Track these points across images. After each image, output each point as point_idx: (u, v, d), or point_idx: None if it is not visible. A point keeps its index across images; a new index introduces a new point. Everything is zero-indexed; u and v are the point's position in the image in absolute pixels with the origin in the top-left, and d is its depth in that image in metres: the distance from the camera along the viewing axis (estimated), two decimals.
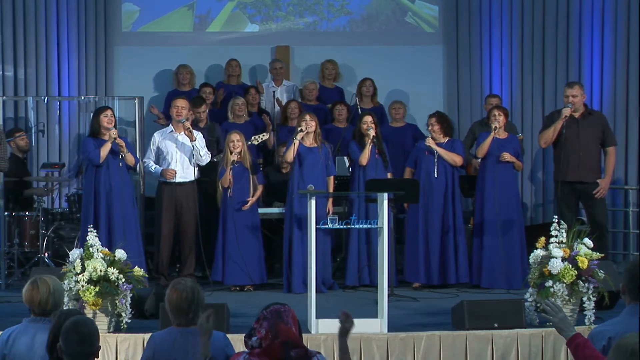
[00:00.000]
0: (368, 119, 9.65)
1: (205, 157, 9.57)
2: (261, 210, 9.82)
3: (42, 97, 11.24)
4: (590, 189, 9.56)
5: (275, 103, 11.34)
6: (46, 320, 4.88)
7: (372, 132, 9.51)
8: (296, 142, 9.33)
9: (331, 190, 9.48)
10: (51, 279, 4.97)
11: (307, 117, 9.49)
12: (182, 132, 9.57)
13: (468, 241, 10.08)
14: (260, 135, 10.27)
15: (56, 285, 4.95)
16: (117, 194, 9.19)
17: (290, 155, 9.37)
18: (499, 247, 9.45)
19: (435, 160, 9.61)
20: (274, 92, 11.42)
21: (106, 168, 9.21)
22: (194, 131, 9.56)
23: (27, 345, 4.82)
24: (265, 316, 4.43)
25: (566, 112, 9.45)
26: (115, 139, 9.09)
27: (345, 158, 10.03)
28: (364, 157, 9.56)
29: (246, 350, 4.44)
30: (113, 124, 9.23)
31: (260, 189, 9.59)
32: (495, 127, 9.51)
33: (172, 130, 9.69)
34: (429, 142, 9.59)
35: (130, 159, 9.21)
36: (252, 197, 9.47)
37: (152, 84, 11.83)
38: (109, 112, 9.29)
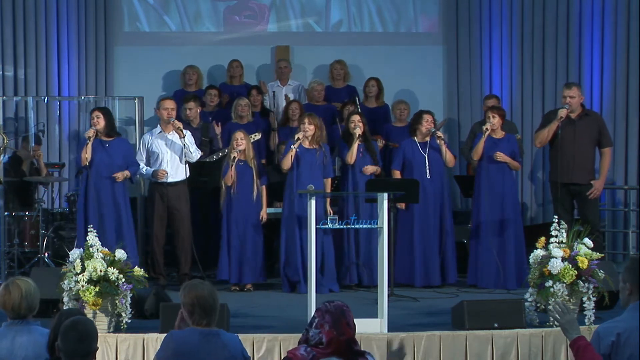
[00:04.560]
0: (355, 118, 9.66)
1: (195, 153, 9.60)
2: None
3: (42, 97, 11.24)
4: (584, 190, 9.54)
5: (285, 100, 11.32)
6: (23, 323, 4.87)
7: (357, 131, 9.52)
8: (293, 150, 9.32)
9: (328, 189, 9.46)
10: (23, 282, 4.92)
11: (306, 120, 9.47)
12: (171, 132, 9.58)
13: (468, 241, 10.09)
14: (252, 136, 10.26)
15: (28, 288, 4.90)
16: (106, 194, 9.21)
17: (287, 162, 9.37)
18: (494, 248, 9.45)
19: (427, 161, 9.61)
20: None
21: (95, 168, 9.24)
22: (183, 130, 9.58)
23: (8, 349, 4.82)
24: (329, 309, 4.56)
25: (562, 113, 9.44)
26: (89, 138, 9.17)
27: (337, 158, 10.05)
28: (351, 156, 9.57)
29: (305, 345, 4.53)
30: (99, 124, 9.26)
31: (264, 191, 9.58)
32: (487, 128, 9.52)
33: (161, 131, 9.70)
34: (440, 135, 9.60)
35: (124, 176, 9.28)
36: (255, 197, 9.45)
37: (152, 84, 11.82)
38: (94, 114, 9.38)
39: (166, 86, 11.80)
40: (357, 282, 9.63)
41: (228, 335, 4.85)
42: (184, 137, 9.48)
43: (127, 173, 9.30)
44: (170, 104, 9.68)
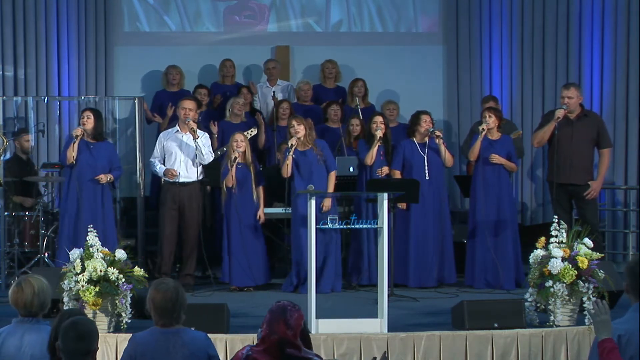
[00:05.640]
0: (378, 119, 9.66)
1: (207, 156, 9.56)
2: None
3: (42, 97, 11.24)
4: (582, 191, 9.54)
5: (273, 101, 11.32)
6: (34, 321, 4.90)
7: (379, 133, 9.51)
8: (290, 158, 9.30)
9: (332, 184, 9.44)
10: (36, 279, 4.94)
11: (294, 123, 9.43)
12: (187, 132, 9.56)
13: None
14: (249, 131, 10.25)
15: (41, 286, 4.92)
16: (87, 196, 9.22)
17: (287, 170, 9.35)
18: (490, 249, 9.45)
19: (426, 161, 9.60)
20: (274, 92, 11.40)
21: (78, 169, 9.25)
22: (199, 131, 9.57)
23: (16, 346, 4.84)
24: (272, 308, 4.48)
25: (559, 113, 9.44)
26: (77, 136, 9.19)
27: (352, 158, 10.01)
28: (370, 158, 9.57)
29: (249, 345, 4.48)
30: (86, 124, 9.28)
31: (261, 192, 9.58)
32: (483, 128, 9.52)
33: (177, 131, 9.68)
34: (439, 135, 9.59)
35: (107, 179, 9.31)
36: (255, 198, 9.46)
37: (153, 84, 11.82)
38: (84, 113, 9.44)
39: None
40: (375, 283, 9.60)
41: (192, 333, 4.86)
42: (197, 139, 9.46)
43: (110, 177, 9.32)
44: (189, 104, 9.63)
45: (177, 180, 9.54)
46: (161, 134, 9.85)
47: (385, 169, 9.66)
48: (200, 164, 9.56)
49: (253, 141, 10.51)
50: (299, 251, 9.30)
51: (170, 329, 4.79)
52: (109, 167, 9.37)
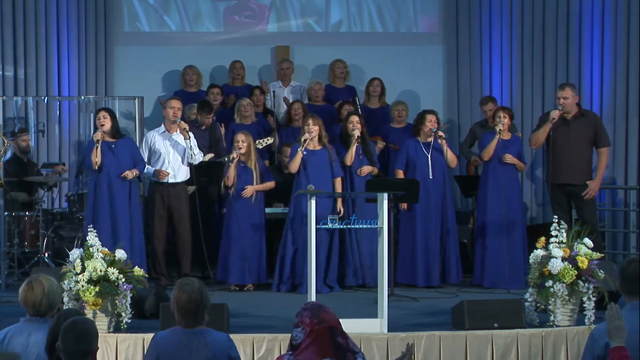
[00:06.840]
0: (354, 119, 9.64)
1: (198, 156, 9.57)
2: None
3: (42, 97, 11.24)
4: (580, 191, 9.53)
5: (283, 103, 11.33)
6: (41, 320, 4.90)
7: (356, 133, 9.51)
8: (300, 153, 9.29)
9: (339, 190, 9.44)
10: (47, 279, 4.94)
11: (310, 121, 9.43)
12: (176, 132, 9.55)
13: (469, 241, 10.09)
14: (265, 140, 10.27)
15: (51, 286, 4.92)
16: (118, 196, 9.20)
17: (295, 166, 9.34)
18: (501, 248, 9.45)
19: (430, 161, 9.60)
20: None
21: (104, 171, 9.22)
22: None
23: (23, 345, 4.84)
24: (306, 307, 4.43)
25: (554, 114, 9.44)
26: (97, 141, 9.13)
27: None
28: (348, 158, 9.56)
29: (289, 352, 4.39)
30: (104, 125, 9.23)
31: (270, 184, 9.55)
32: (500, 129, 9.51)
33: (165, 130, 9.66)
34: (442, 135, 9.58)
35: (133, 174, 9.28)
36: (253, 197, 9.43)
37: (152, 84, 11.82)
38: (100, 114, 9.36)
39: (166, 86, 11.80)
40: (362, 284, 9.61)
41: (215, 334, 4.84)
42: (189, 139, 9.46)
43: (135, 172, 9.30)
44: (177, 104, 9.63)
45: (165, 181, 9.53)
46: (147, 134, 9.82)
47: (365, 169, 9.63)
48: (190, 164, 9.55)
49: (267, 145, 10.53)
50: (300, 251, 9.30)
51: (193, 329, 4.78)
52: (133, 163, 9.35)
